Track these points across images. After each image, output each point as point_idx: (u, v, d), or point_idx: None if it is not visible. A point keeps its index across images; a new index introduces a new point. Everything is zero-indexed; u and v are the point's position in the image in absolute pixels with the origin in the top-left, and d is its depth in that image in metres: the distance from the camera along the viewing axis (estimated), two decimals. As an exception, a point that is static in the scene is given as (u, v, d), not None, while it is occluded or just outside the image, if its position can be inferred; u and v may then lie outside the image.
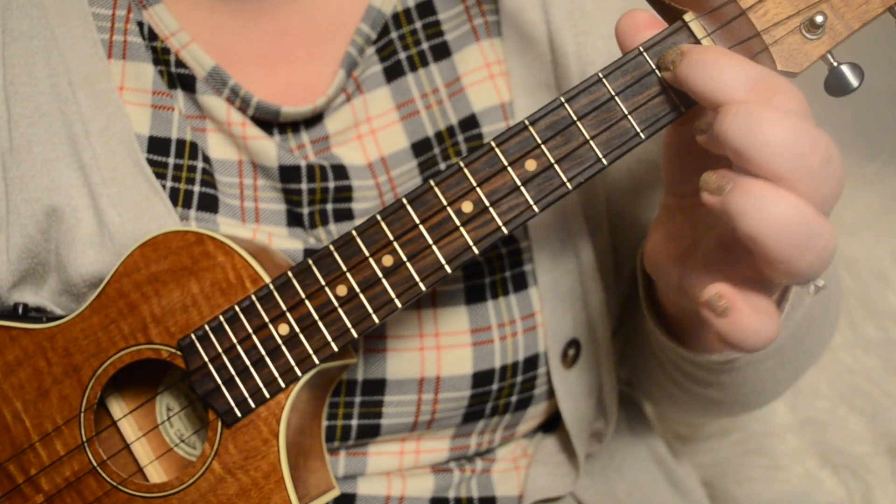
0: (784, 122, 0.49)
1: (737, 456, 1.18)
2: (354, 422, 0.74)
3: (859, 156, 1.26)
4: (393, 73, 0.75)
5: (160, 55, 0.72)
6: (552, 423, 0.85)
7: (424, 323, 0.73)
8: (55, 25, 0.70)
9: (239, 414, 0.62)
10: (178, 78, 0.72)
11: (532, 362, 0.76)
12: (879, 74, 0.73)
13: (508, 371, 0.75)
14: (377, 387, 0.73)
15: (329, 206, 0.73)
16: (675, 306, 0.68)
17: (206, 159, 0.72)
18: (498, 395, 0.76)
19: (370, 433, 0.74)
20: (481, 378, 0.74)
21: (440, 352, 0.73)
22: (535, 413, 0.80)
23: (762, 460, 1.17)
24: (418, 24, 0.76)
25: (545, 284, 0.75)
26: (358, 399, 0.73)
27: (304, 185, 0.72)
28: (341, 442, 0.74)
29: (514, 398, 0.77)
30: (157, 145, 0.71)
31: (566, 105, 0.56)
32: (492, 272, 0.75)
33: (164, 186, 0.71)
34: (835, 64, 0.54)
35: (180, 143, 0.71)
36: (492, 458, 0.81)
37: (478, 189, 0.58)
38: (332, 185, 0.73)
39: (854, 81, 0.54)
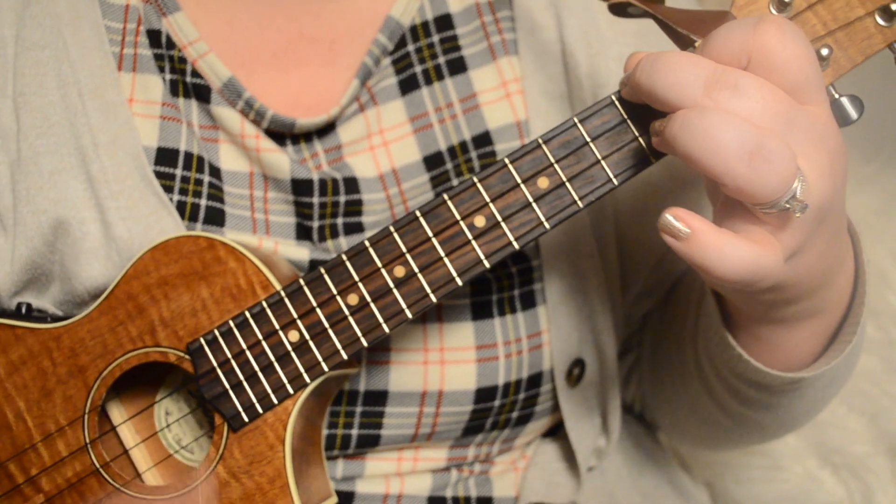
0: (729, 128, 0.52)
1: (737, 456, 1.20)
2: (354, 431, 0.78)
3: (859, 156, 1.31)
4: (408, 86, 0.79)
5: (176, 64, 0.76)
6: (552, 430, 0.90)
7: (430, 337, 0.78)
8: (67, 35, 0.74)
9: (246, 419, 0.67)
10: (193, 88, 0.76)
11: (535, 380, 0.80)
12: (879, 74, 0.76)
13: (511, 388, 0.79)
14: (379, 398, 0.78)
15: (339, 221, 0.77)
16: (751, 322, 0.70)
17: (214, 172, 0.76)
18: (499, 410, 0.80)
19: (370, 443, 0.79)
20: (484, 394, 0.78)
21: (444, 366, 0.77)
22: (534, 429, 0.85)
23: (762, 460, 1.20)
24: (435, 38, 0.80)
25: (554, 304, 0.80)
26: (359, 409, 0.78)
27: (315, 199, 0.76)
28: (340, 451, 0.79)
29: (514, 414, 0.81)
30: (164, 157, 0.75)
31: (579, 125, 0.61)
32: (500, 290, 0.79)
33: (171, 200, 0.74)
34: (836, 96, 0.60)
35: (188, 155, 0.75)
36: (490, 461, 0.86)
37: (491, 205, 0.63)
38: (342, 198, 0.77)
39: (854, 114, 0.59)
